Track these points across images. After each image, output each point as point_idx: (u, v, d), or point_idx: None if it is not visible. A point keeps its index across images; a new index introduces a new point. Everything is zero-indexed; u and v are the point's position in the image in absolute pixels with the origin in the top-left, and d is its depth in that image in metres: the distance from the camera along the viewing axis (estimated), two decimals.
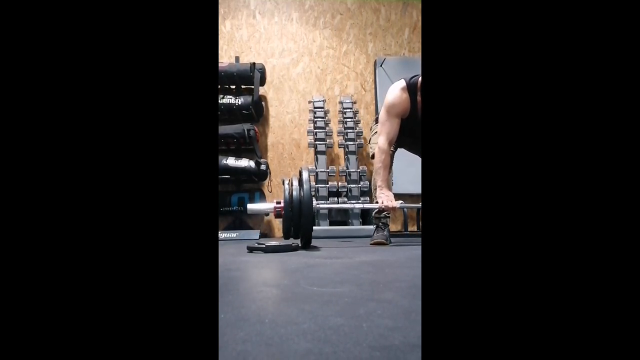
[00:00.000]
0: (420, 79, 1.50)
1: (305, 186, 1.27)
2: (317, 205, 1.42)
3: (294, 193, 1.29)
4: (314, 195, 2.25)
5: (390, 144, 1.53)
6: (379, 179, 1.52)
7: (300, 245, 1.37)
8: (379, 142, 1.53)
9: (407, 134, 1.57)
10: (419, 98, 1.51)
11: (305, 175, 1.31)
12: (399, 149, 1.67)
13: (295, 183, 1.34)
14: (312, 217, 1.29)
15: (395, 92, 1.53)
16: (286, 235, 1.37)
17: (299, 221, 1.30)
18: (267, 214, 2.42)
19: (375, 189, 1.60)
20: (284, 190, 1.35)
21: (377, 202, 1.53)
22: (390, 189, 1.58)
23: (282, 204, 1.35)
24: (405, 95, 1.51)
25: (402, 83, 1.53)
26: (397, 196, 1.88)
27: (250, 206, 1.48)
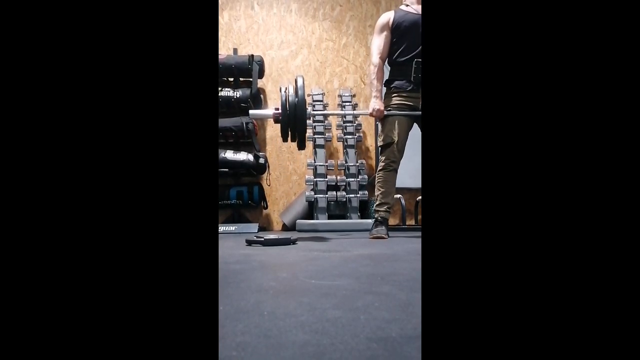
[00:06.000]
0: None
1: (300, 92, 1.42)
2: (312, 111, 1.61)
3: (290, 99, 1.44)
4: (312, 189, 2.28)
5: (382, 58, 1.69)
6: (373, 90, 1.67)
7: (297, 146, 1.52)
8: (372, 59, 1.70)
9: (404, 47, 1.65)
10: (404, 5, 1.68)
11: (300, 82, 1.45)
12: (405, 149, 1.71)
13: (291, 90, 1.47)
14: (305, 120, 1.45)
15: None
16: (284, 138, 1.52)
17: (294, 124, 1.44)
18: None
19: (376, 185, 1.70)
20: (281, 97, 1.47)
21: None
22: (390, 184, 1.69)
23: (280, 110, 1.49)
24: (391, 10, 1.72)
25: None
26: (396, 190, 1.90)
27: (252, 112, 1.66)
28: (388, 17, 1.68)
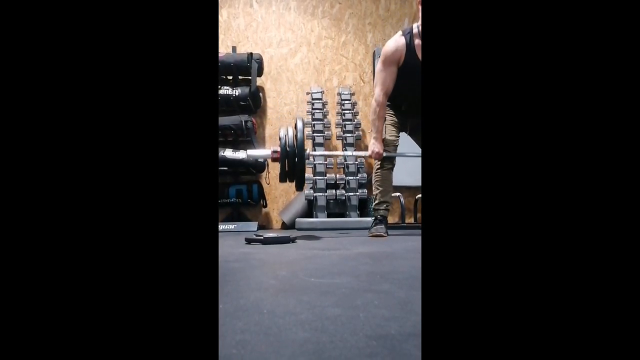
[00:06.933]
0: (414, 24, 1.58)
1: (299, 134, 1.44)
2: (311, 153, 1.60)
3: (290, 141, 1.46)
4: (312, 187, 2.28)
5: (386, 94, 1.58)
6: (374, 131, 1.60)
7: (295, 187, 1.54)
8: (375, 94, 1.59)
9: (404, 90, 1.59)
10: (416, 40, 1.53)
11: (299, 124, 1.46)
12: (401, 132, 1.70)
13: (291, 132, 1.48)
14: (304, 163, 1.47)
15: (391, 41, 1.57)
16: (282, 179, 1.53)
17: (294, 166, 1.46)
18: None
19: (374, 184, 1.69)
20: (280, 138, 1.49)
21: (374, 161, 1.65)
22: (388, 182, 1.66)
23: (279, 151, 1.51)
24: (401, 39, 1.56)
25: (398, 33, 1.59)
26: (395, 189, 1.90)
27: (249, 152, 1.64)
28: (400, 52, 1.54)
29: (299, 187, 1.53)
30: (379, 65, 1.60)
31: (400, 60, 1.55)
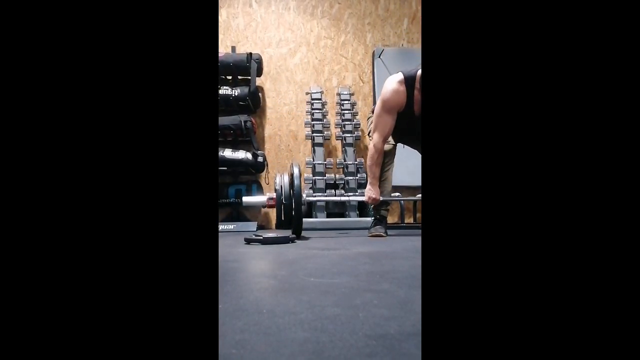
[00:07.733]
0: (419, 71, 1.48)
1: (296, 181, 1.43)
2: (307, 198, 1.60)
3: (286, 188, 1.48)
4: (311, 187, 2.28)
5: (384, 140, 1.55)
6: (370, 176, 1.58)
7: (294, 235, 1.52)
8: (373, 139, 1.55)
9: (405, 130, 1.57)
10: (416, 92, 1.47)
11: (296, 171, 1.46)
12: (398, 143, 1.69)
13: (286, 178, 1.50)
14: (301, 209, 1.47)
15: (391, 85, 1.49)
16: (278, 226, 1.55)
17: (290, 212, 1.47)
18: (264, 206, 2.61)
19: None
20: (276, 190, 1.51)
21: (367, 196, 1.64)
22: (387, 182, 1.64)
23: (274, 198, 1.53)
24: (402, 89, 1.49)
25: (399, 76, 1.51)
26: (395, 188, 1.90)
27: (245, 199, 1.66)
28: (400, 103, 1.48)
29: (297, 235, 1.50)
30: (377, 109, 1.53)
31: (401, 108, 1.50)
